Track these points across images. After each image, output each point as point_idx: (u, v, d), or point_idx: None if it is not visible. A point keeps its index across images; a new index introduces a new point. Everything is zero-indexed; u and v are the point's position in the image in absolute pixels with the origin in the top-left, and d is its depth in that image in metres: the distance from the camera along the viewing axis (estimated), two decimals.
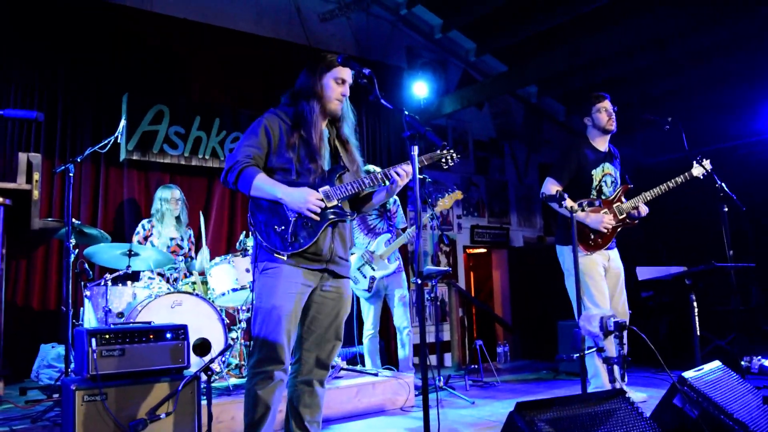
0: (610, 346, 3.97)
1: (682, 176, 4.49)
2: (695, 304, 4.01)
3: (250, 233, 2.91)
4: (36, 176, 2.09)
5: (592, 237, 4.39)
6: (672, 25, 6.24)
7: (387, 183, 2.94)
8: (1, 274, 2.06)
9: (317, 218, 2.78)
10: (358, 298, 5.64)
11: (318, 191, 2.82)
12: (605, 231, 4.37)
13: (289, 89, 3.03)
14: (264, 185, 2.78)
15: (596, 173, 4.51)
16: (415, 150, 2.55)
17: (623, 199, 4.52)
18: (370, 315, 5.53)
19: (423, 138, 2.57)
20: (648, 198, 4.44)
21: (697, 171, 4.52)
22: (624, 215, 4.44)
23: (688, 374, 2.95)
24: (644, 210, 4.47)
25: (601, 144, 4.61)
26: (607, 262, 4.50)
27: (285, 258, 2.75)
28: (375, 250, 5.43)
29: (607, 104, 4.54)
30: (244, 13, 7.13)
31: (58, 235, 5.16)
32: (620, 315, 4.45)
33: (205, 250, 5.31)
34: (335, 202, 2.86)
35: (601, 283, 4.38)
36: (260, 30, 7.12)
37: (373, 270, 5.42)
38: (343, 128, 3.05)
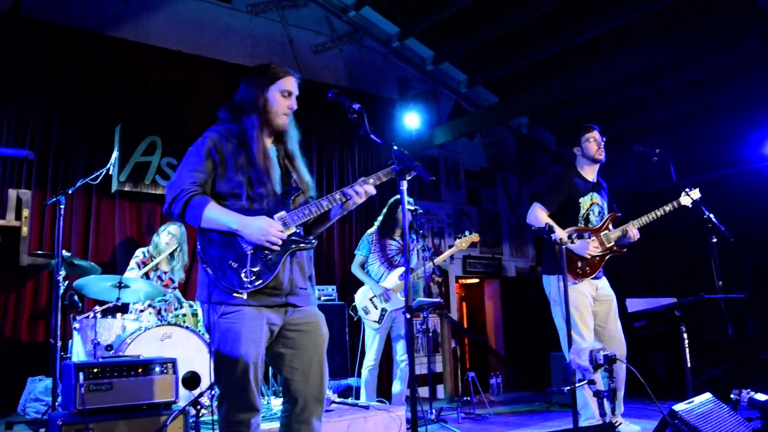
0: (600, 380, 3.96)
1: (670, 204, 4.53)
2: (685, 335, 4.01)
3: (200, 267, 2.59)
4: (25, 213, 2.09)
5: (579, 265, 4.39)
6: (663, 57, 6.33)
7: (345, 201, 2.71)
8: None
9: (278, 249, 2.54)
10: (363, 328, 5.62)
11: (274, 218, 2.58)
12: (589, 257, 4.37)
13: (227, 103, 2.79)
14: (216, 216, 2.50)
15: (584, 202, 4.54)
16: (404, 185, 2.52)
17: (611, 228, 4.54)
18: (374, 346, 5.50)
19: (412, 172, 2.54)
20: (636, 226, 4.46)
21: (685, 200, 4.56)
22: (611, 243, 4.45)
23: (678, 407, 2.94)
24: (635, 234, 4.46)
25: (590, 174, 4.66)
26: (595, 292, 4.50)
27: (245, 297, 2.48)
28: (387, 283, 5.45)
29: (596, 134, 4.60)
30: (238, 45, 7.21)
31: (48, 267, 5.14)
32: (617, 342, 4.43)
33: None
34: (293, 229, 2.61)
35: (587, 316, 4.37)
36: (254, 62, 7.17)
37: (386, 302, 5.43)
38: (288, 144, 2.79)
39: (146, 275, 5.33)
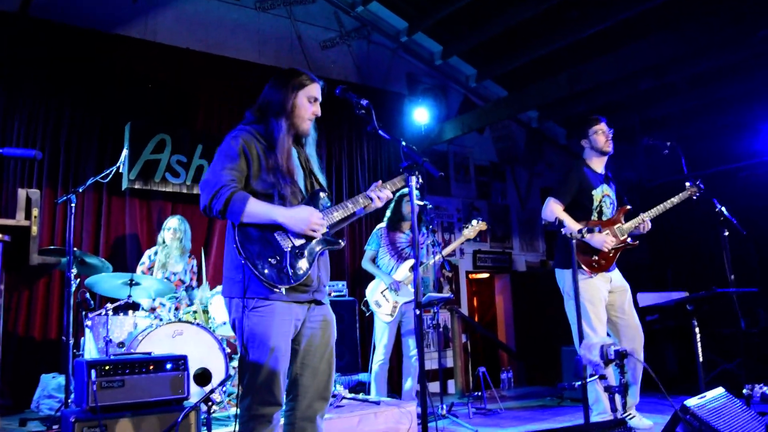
0: (611, 375, 3.95)
1: (678, 196, 4.52)
2: (697, 330, 3.98)
3: (233, 264, 2.65)
4: (35, 212, 2.10)
5: (595, 258, 4.38)
6: (670, 50, 6.28)
7: (367, 204, 2.80)
8: (0, 311, 2.06)
9: (320, 237, 2.66)
10: (374, 323, 5.63)
11: None
12: (606, 250, 4.36)
13: (254, 104, 2.84)
14: (259, 210, 2.56)
15: (596, 194, 4.54)
16: (413, 180, 2.54)
17: (623, 220, 4.52)
18: (383, 341, 5.50)
19: (420, 168, 2.55)
20: (649, 217, 4.45)
21: (689, 191, 4.55)
22: (624, 236, 4.44)
23: (690, 402, 2.92)
24: (647, 226, 4.46)
25: (598, 166, 4.66)
26: (609, 284, 4.48)
27: (283, 292, 2.55)
28: (398, 275, 5.46)
29: (603, 126, 4.59)
30: (247, 42, 7.21)
31: (59, 265, 5.17)
32: (634, 330, 4.43)
33: (205, 287, 5.30)
34: (324, 229, 2.70)
35: (600, 310, 4.35)
36: (262, 59, 7.19)
37: (398, 295, 5.44)
38: (307, 147, 2.89)
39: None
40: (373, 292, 5.60)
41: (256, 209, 2.56)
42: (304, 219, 2.58)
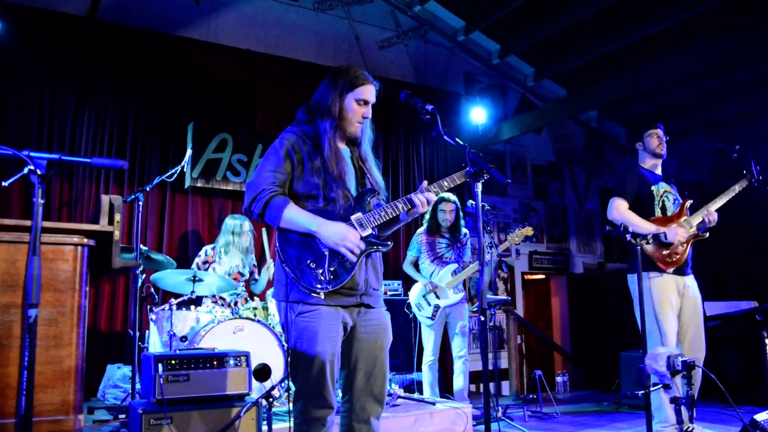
0: (678, 386, 3.86)
1: (738, 183, 4.46)
2: (767, 341, 3.85)
3: (277, 265, 2.65)
4: (117, 217, 2.18)
5: (666, 253, 4.30)
6: (737, 51, 6.08)
7: (409, 209, 2.69)
8: (85, 312, 2.15)
9: (354, 258, 2.53)
10: (420, 325, 5.65)
11: (351, 219, 2.59)
12: (677, 243, 4.28)
13: (305, 103, 2.81)
14: (296, 217, 2.52)
15: (656, 189, 4.50)
16: (479, 187, 2.50)
17: (688, 213, 4.46)
18: (430, 342, 5.52)
19: (487, 175, 2.50)
20: (713, 208, 4.39)
21: (748, 178, 4.49)
22: (693, 229, 4.38)
23: (760, 417, 2.83)
24: (714, 217, 4.38)
25: (654, 168, 4.64)
26: (682, 288, 4.38)
27: (322, 297, 2.50)
28: (440, 280, 5.45)
29: (659, 131, 4.60)
30: (305, 43, 7.30)
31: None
32: (697, 344, 4.31)
33: (270, 265, 5.38)
34: (369, 230, 2.60)
35: (670, 315, 4.25)
36: (320, 59, 7.27)
37: (438, 299, 5.44)
38: (362, 147, 2.80)
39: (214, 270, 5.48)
40: (415, 295, 5.60)
41: (294, 216, 2.52)
42: (339, 234, 2.50)
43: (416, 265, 5.73)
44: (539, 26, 7.72)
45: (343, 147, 2.76)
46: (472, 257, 5.62)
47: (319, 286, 2.50)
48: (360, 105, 2.69)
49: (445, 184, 2.70)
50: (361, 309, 2.66)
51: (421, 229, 5.71)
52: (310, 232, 2.53)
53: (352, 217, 2.60)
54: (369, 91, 2.70)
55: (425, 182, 2.72)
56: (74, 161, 2.05)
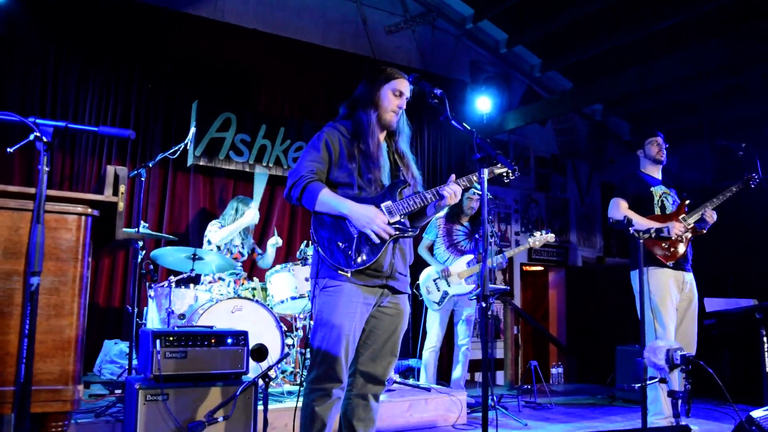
0: (675, 380, 3.88)
1: (736, 185, 4.53)
2: (765, 339, 3.86)
3: (312, 247, 2.86)
4: (122, 188, 2.17)
5: (665, 246, 4.40)
6: (746, 50, 6.03)
7: (438, 199, 2.89)
8: (87, 283, 2.14)
9: (378, 240, 2.72)
10: (426, 310, 5.66)
11: (380, 206, 2.77)
12: (675, 237, 4.34)
13: (347, 100, 3.02)
14: (330, 200, 2.74)
15: (656, 190, 4.63)
16: (485, 173, 2.52)
17: (686, 211, 4.52)
18: (434, 327, 5.54)
19: (494, 161, 2.54)
20: (711, 207, 4.48)
21: (747, 178, 4.56)
22: (691, 225, 4.49)
23: (756, 413, 2.84)
24: (712, 216, 4.48)
25: (654, 173, 4.77)
26: (682, 283, 4.44)
27: (348, 275, 2.70)
28: (454, 268, 5.45)
29: (659, 139, 4.74)
30: (312, 25, 7.25)
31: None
32: (688, 342, 4.40)
33: (277, 239, 5.46)
34: (398, 218, 2.80)
35: (670, 309, 4.32)
36: (327, 42, 7.22)
37: (448, 286, 5.45)
38: (399, 142, 3.02)
39: (218, 247, 5.46)
40: (425, 279, 5.62)
41: (328, 199, 2.74)
42: (368, 217, 2.70)
43: (431, 250, 5.74)
44: (548, 17, 7.66)
45: (381, 140, 2.97)
46: (494, 261, 5.53)
47: (345, 265, 2.70)
48: (395, 96, 2.91)
49: (474, 178, 2.91)
50: (385, 290, 2.83)
51: (441, 214, 5.69)
52: (341, 215, 2.74)
53: (382, 204, 2.80)
54: (404, 84, 2.92)
55: (453, 176, 2.94)
56: (81, 129, 2.04)
